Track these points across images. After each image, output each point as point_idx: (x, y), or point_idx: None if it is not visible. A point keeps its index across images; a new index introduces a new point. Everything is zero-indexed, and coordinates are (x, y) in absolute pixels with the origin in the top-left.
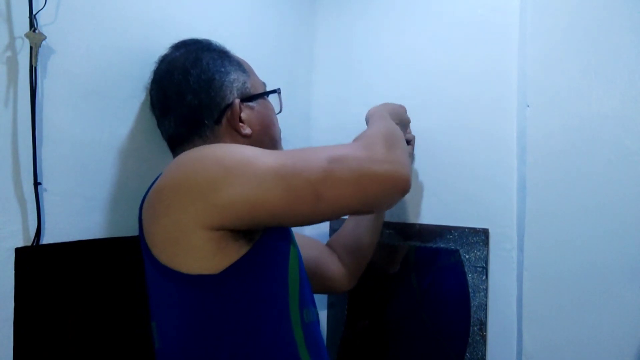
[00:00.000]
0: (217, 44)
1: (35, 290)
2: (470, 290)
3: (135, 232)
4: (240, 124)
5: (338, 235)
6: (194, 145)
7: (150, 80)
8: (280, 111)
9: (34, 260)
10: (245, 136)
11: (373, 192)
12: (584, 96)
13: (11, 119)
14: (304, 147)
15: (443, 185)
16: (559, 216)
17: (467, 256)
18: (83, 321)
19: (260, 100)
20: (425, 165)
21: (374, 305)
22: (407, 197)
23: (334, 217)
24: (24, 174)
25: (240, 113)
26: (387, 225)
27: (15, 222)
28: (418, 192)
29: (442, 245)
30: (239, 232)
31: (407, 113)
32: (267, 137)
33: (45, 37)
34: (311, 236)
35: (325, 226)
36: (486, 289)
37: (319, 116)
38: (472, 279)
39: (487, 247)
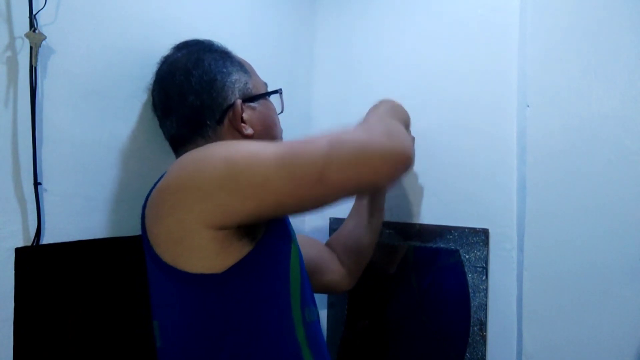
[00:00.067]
0: (219, 45)
1: (35, 290)
2: (470, 290)
3: (136, 232)
4: (242, 124)
5: (337, 235)
6: (197, 146)
7: (152, 81)
8: (282, 111)
9: (34, 260)
10: (247, 136)
11: (375, 169)
12: (584, 96)
13: (11, 119)
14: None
15: (443, 185)
16: (559, 216)
17: (467, 256)
18: (83, 321)
19: (261, 101)
20: (425, 166)
21: (373, 305)
22: (407, 197)
23: (339, 199)
24: (24, 174)
25: (242, 113)
26: (387, 225)
27: (15, 222)
28: (418, 192)
29: (442, 245)
30: (243, 231)
31: (407, 112)
32: (268, 137)
33: (45, 37)
34: (311, 236)
35: (325, 226)
36: (486, 289)
37: (319, 116)
38: (472, 279)
39: (487, 247)
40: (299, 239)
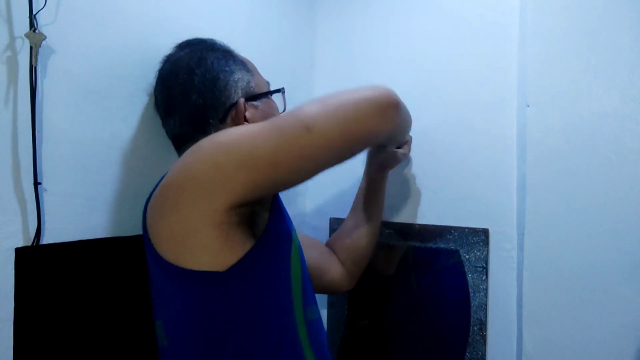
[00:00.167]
0: (222, 44)
1: (35, 290)
2: (470, 290)
3: (136, 232)
4: (245, 122)
5: (337, 236)
6: None
7: (154, 80)
8: (284, 110)
9: (34, 260)
10: None
11: (362, 112)
12: (584, 95)
13: (11, 119)
14: None
15: (443, 184)
16: (559, 216)
17: (467, 256)
18: (83, 321)
19: (264, 100)
20: (425, 165)
21: (374, 305)
22: (407, 197)
23: (333, 151)
24: (24, 174)
25: (244, 112)
26: (387, 225)
27: (15, 222)
28: (418, 192)
29: (442, 246)
30: (245, 226)
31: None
32: None
33: (45, 37)
34: (311, 236)
35: (325, 226)
36: (486, 289)
37: None
38: (472, 279)
39: (487, 247)
40: (300, 239)
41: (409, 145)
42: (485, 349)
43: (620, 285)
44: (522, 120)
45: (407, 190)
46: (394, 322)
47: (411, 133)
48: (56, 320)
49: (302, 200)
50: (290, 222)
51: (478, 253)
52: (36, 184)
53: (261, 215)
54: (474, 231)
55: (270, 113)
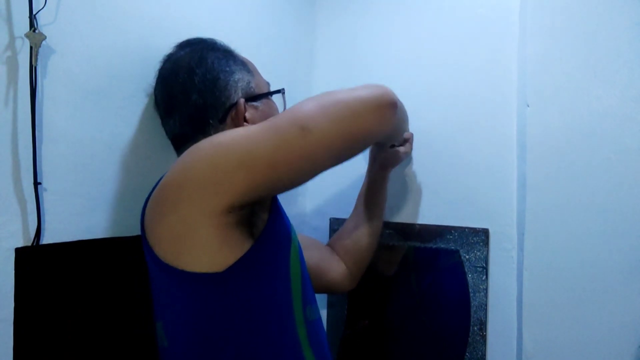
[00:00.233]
0: (222, 44)
1: (35, 290)
2: (470, 290)
3: (136, 232)
4: (245, 123)
5: (338, 236)
6: None
7: (154, 79)
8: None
9: (34, 260)
10: None
11: (360, 113)
12: (584, 95)
13: (11, 119)
14: None
15: (443, 184)
16: (559, 215)
17: (467, 256)
18: (83, 321)
19: (264, 100)
20: (425, 165)
21: (374, 305)
22: (407, 197)
23: (331, 153)
24: (24, 173)
25: (244, 112)
26: (387, 225)
27: (15, 222)
28: (418, 192)
29: (442, 246)
30: (243, 225)
31: (407, 112)
32: None
33: (45, 37)
34: (311, 236)
35: (325, 226)
36: (486, 289)
37: None
38: (472, 279)
39: (487, 247)
40: (300, 239)
41: (411, 143)
42: (485, 349)
43: (620, 285)
44: (522, 120)
45: (408, 190)
46: (394, 322)
47: (410, 132)
48: (56, 321)
49: (302, 200)
50: (289, 223)
51: (478, 253)
52: (36, 183)
53: (260, 216)
54: (474, 231)
55: (270, 114)
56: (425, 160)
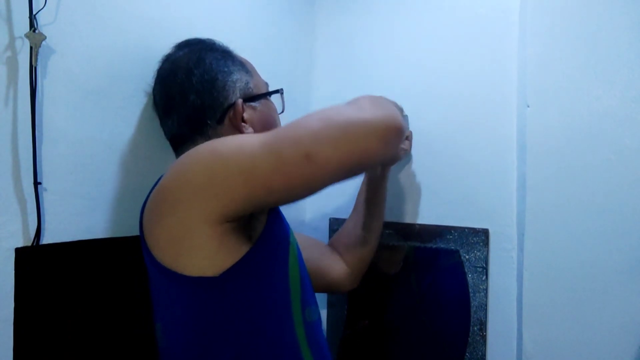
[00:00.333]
0: (221, 44)
1: (35, 290)
2: (470, 290)
3: (136, 232)
4: (243, 123)
5: (339, 236)
6: (197, 145)
7: (153, 80)
8: (282, 111)
9: (34, 260)
10: None
11: (366, 143)
12: (584, 95)
13: (11, 119)
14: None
15: (443, 184)
16: (559, 215)
17: (467, 256)
18: (83, 321)
19: (262, 101)
20: (425, 165)
21: (374, 305)
22: (407, 197)
23: (331, 178)
24: (24, 173)
25: (242, 113)
26: (387, 225)
27: (15, 222)
28: (418, 192)
29: (442, 246)
30: (241, 229)
31: (407, 112)
32: None
33: (45, 37)
34: (311, 236)
35: (325, 226)
36: (486, 289)
37: None
38: (472, 279)
39: (487, 247)
40: (301, 240)
41: (410, 141)
42: (485, 349)
43: (620, 285)
44: (522, 120)
45: (407, 191)
46: (394, 322)
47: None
48: (56, 321)
49: (302, 201)
50: (288, 225)
51: (478, 253)
52: (36, 183)
53: (258, 219)
54: (474, 231)
55: (268, 114)
56: (425, 160)
